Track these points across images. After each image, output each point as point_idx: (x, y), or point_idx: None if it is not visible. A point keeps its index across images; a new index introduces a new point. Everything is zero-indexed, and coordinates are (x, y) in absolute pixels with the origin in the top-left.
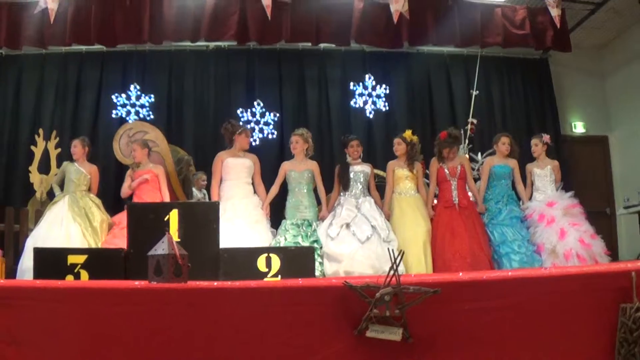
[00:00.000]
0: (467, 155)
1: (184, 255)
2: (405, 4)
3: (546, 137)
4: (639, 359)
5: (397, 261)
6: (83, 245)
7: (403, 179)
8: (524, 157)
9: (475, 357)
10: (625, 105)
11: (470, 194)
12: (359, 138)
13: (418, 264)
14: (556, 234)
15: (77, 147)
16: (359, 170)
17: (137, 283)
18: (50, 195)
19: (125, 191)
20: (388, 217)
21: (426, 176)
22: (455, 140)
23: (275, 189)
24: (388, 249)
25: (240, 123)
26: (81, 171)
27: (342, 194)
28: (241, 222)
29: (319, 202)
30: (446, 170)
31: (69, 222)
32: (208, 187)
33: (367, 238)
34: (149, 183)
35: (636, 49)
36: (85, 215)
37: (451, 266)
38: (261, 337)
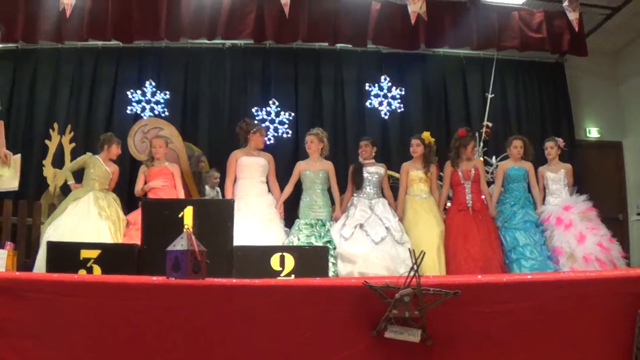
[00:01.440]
0: (481, 159)
1: (202, 252)
2: (422, 6)
3: (560, 141)
4: None
5: (418, 262)
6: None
7: (417, 181)
8: (538, 161)
9: (494, 359)
10: None
11: (483, 197)
12: (369, 138)
13: (432, 266)
14: (575, 237)
15: (119, 149)
16: (373, 171)
17: (155, 278)
18: (64, 190)
19: (138, 192)
20: (401, 219)
21: (440, 178)
22: (473, 134)
23: (289, 189)
24: (409, 249)
25: (255, 122)
26: (106, 169)
27: (355, 194)
28: (255, 221)
29: (333, 203)
30: (460, 174)
31: (97, 219)
32: (221, 185)
33: (382, 239)
34: (163, 179)
35: None
36: (112, 214)
37: (463, 269)
38: (279, 336)
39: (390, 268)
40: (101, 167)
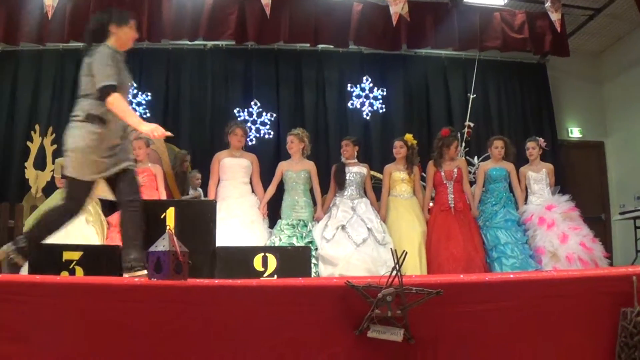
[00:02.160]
0: (464, 159)
1: (184, 252)
2: (405, 6)
3: (541, 141)
4: None
5: (400, 262)
6: None
7: (400, 182)
8: (519, 161)
9: (476, 358)
10: (622, 111)
11: (466, 197)
12: (351, 138)
13: (413, 266)
14: (557, 237)
15: None
16: (356, 172)
17: (137, 279)
18: (46, 191)
19: None
20: (384, 219)
21: (422, 179)
22: (456, 134)
23: (272, 189)
24: (391, 249)
25: (238, 121)
26: None
27: (337, 194)
28: (236, 222)
29: (315, 203)
30: (442, 174)
31: (84, 224)
32: (203, 186)
33: (363, 241)
34: (146, 182)
35: (633, 55)
36: (97, 218)
37: (445, 269)
38: (262, 337)
39: (372, 270)
40: None
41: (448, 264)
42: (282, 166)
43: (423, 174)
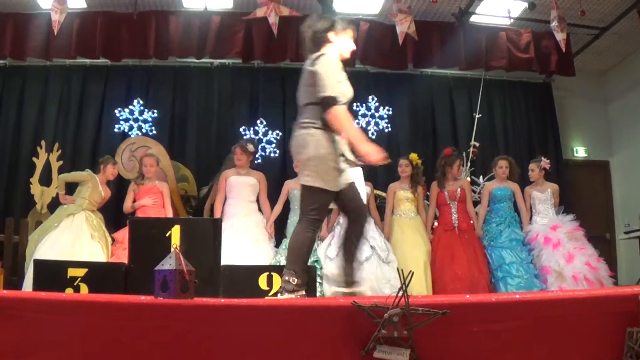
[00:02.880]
0: (468, 179)
1: (191, 272)
2: (411, 25)
3: (545, 162)
4: None
5: (407, 281)
6: None
7: (404, 201)
8: (525, 181)
9: None
10: (627, 130)
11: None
12: None
13: (419, 286)
14: (563, 257)
15: (116, 170)
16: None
17: (143, 298)
18: (51, 207)
19: (127, 209)
20: (388, 238)
21: (426, 198)
22: (459, 153)
23: (279, 208)
24: (397, 268)
25: (245, 141)
26: (100, 192)
27: (341, 213)
28: (242, 240)
29: None
30: (446, 194)
31: (89, 240)
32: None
33: (366, 259)
34: (157, 201)
35: (639, 75)
36: (102, 234)
37: (449, 289)
38: (267, 357)
39: (375, 288)
40: (97, 188)
41: (452, 284)
42: (289, 185)
43: (427, 193)
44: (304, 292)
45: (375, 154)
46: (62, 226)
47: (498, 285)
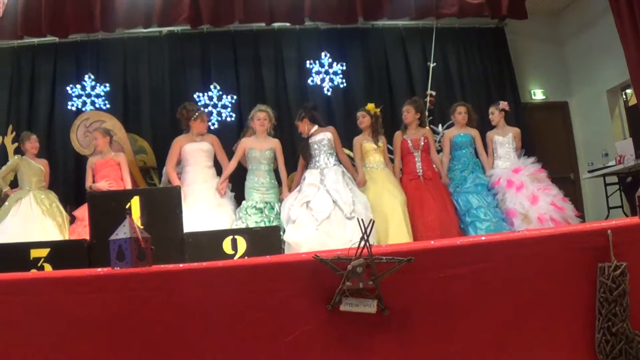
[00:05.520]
0: (428, 128)
1: (146, 238)
2: None
3: (503, 104)
4: (620, 318)
5: (368, 231)
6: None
7: (372, 152)
8: (485, 126)
9: (454, 324)
10: (584, 69)
11: (434, 166)
12: (301, 113)
13: (401, 235)
14: (527, 199)
15: (36, 142)
16: (320, 138)
17: (100, 270)
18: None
19: (89, 187)
20: (362, 183)
21: (389, 151)
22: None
23: (234, 164)
24: (357, 219)
25: (197, 106)
26: (38, 166)
27: (307, 167)
28: (203, 207)
29: (280, 184)
30: (410, 142)
31: (42, 218)
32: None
33: (327, 217)
34: (112, 173)
35: (593, 13)
36: (54, 211)
37: (423, 237)
38: (231, 319)
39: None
40: (32, 167)
41: (425, 232)
42: (246, 143)
43: (389, 145)
44: None
45: None
46: (12, 212)
47: (467, 230)
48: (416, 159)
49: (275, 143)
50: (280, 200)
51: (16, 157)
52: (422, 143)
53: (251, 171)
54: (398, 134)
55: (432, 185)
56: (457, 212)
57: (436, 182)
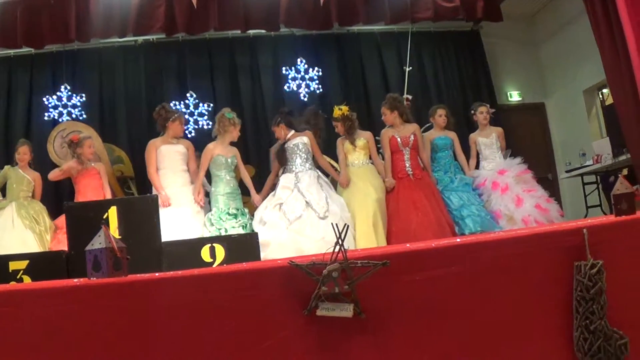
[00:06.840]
0: (417, 125)
1: (122, 248)
2: None
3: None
4: (598, 316)
5: (342, 235)
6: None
7: (351, 152)
8: (461, 129)
9: (431, 327)
10: (560, 71)
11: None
12: (277, 119)
13: (366, 238)
14: (512, 201)
15: (27, 154)
16: (296, 142)
17: (77, 280)
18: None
19: (54, 175)
20: (346, 184)
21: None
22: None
23: (202, 174)
24: (332, 223)
25: (174, 109)
26: (25, 177)
27: (281, 171)
28: (185, 211)
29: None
30: (399, 140)
31: (21, 229)
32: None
33: (297, 218)
34: (92, 180)
35: (567, 15)
36: (36, 222)
37: (418, 237)
38: (209, 327)
39: (303, 250)
40: (21, 176)
41: (420, 231)
42: (213, 150)
43: (377, 137)
44: None
45: None
46: None
47: (463, 223)
48: (405, 157)
49: (235, 150)
50: (255, 204)
51: (6, 167)
52: (412, 140)
53: (221, 178)
54: (386, 131)
55: (423, 185)
56: (449, 208)
57: (426, 180)
